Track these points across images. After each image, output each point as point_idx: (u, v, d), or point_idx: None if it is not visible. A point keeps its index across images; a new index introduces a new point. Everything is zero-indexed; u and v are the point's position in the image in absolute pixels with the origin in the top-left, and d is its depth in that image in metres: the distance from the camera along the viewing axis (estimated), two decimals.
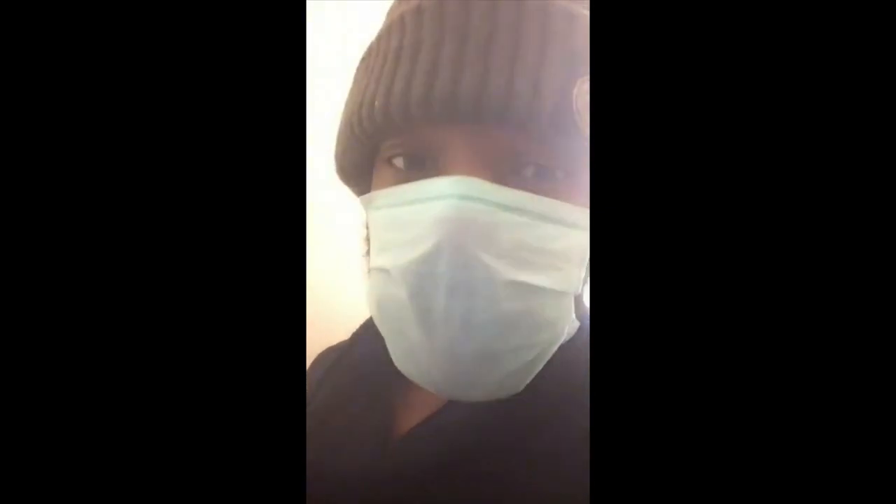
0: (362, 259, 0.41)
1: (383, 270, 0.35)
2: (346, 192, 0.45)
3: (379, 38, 0.37)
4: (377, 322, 0.38)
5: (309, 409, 0.45)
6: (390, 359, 0.38)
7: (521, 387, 0.36)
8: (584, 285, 0.37)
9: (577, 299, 0.37)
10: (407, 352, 0.36)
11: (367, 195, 0.39)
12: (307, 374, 0.53)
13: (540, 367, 0.35)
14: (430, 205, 0.32)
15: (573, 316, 0.36)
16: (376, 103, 0.34)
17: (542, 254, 0.33)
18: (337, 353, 0.50)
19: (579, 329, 0.39)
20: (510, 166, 0.34)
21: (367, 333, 0.48)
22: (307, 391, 0.47)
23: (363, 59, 0.39)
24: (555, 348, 0.36)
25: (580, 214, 0.34)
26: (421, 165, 0.35)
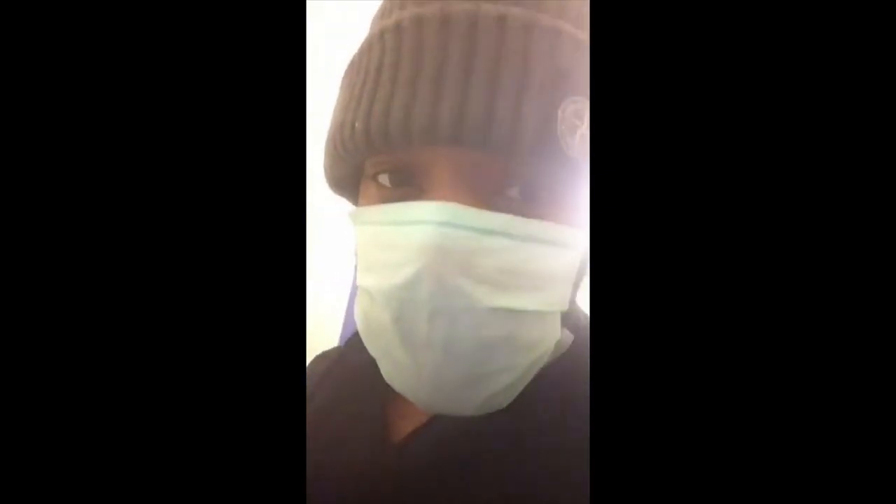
0: (354, 271, 0.41)
1: (368, 292, 0.35)
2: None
3: (361, 52, 0.36)
4: (364, 339, 0.38)
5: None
6: None
7: (506, 403, 0.36)
8: (573, 300, 0.37)
9: (570, 313, 0.37)
10: (394, 371, 0.37)
11: (353, 211, 0.39)
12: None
13: (524, 384, 0.36)
14: (411, 229, 0.32)
15: (559, 332, 0.36)
16: (357, 125, 0.33)
17: (526, 276, 0.33)
18: (330, 360, 0.50)
19: (575, 340, 0.39)
20: (494, 187, 0.33)
21: (360, 340, 0.48)
22: None
23: (347, 71, 0.38)
24: (539, 366, 0.36)
25: (566, 233, 0.34)
26: (406, 182, 0.35)
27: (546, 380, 0.36)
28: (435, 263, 0.31)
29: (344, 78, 0.39)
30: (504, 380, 0.34)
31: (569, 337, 0.37)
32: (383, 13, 0.37)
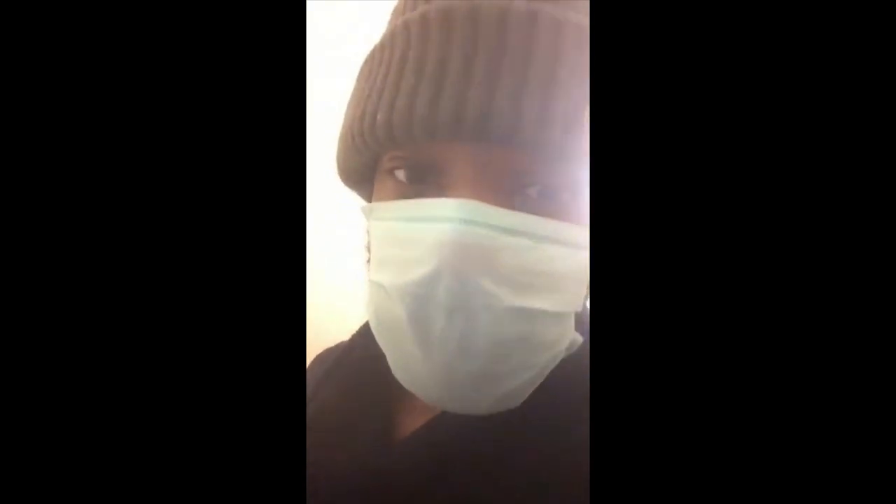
0: (364, 265, 0.41)
1: (382, 287, 0.35)
2: (346, 192, 0.45)
3: (382, 44, 0.36)
4: (376, 334, 0.37)
5: (308, 409, 0.45)
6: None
7: (518, 403, 0.36)
8: (586, 301, 0.37)
9: (582, 314, 0.37)
10: (405, 367, 0.36)
11: (367, 205, 0.38)
12: (306, 373, 0.53)
13: (537, 384, 0.35)
14: (431, 225, 0.32)
15: (573, 333, 0.36)
16: (378, 117, 0.33)
17: (545, 276, 0.33)
18: (336, 355, 0.50)
19: (583, 343, 0.39)
20: (515, 185, 0.33)
21: (366, 335, 0.47)
22: (306, 391, 0.47)
23: (366, 62, 0.38)
24: (553, 366, 0.35)
25: (585, 235, 0.33)
26: (423, 179, 0.34)
27: (550, 381, 0.36)
28: (455, 260, 0.30)
29: (362, 69, 0.38)
30: (517, 380, 0.34)
31: (579, 338, 0.38)
32: (406, 5, 0.36)
